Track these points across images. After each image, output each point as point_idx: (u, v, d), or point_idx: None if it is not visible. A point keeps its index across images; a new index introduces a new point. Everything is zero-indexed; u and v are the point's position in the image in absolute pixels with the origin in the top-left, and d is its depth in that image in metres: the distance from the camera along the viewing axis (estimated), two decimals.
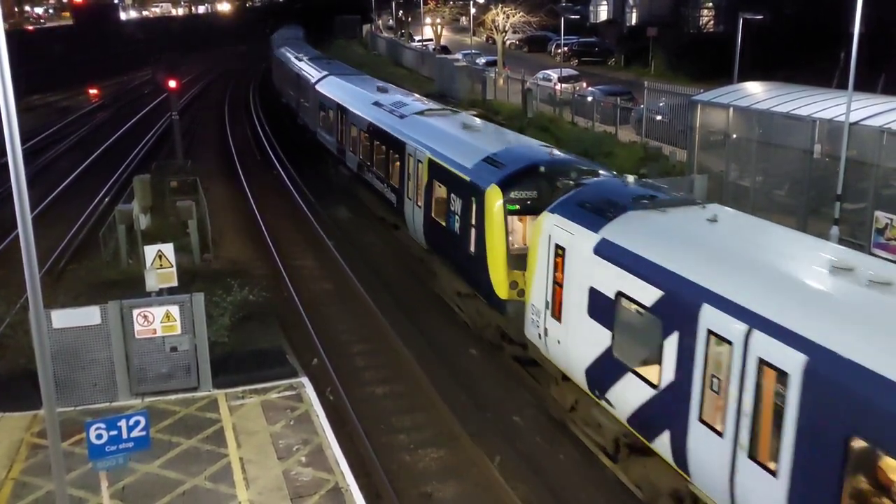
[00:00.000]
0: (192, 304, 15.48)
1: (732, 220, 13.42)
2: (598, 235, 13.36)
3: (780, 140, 24.03)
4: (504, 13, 63.93)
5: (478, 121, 24.42)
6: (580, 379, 13.86)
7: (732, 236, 12.64)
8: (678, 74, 52.50)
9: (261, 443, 14.27)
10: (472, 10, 74.14)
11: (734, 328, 10.31)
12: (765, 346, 9.85)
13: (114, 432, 10.43)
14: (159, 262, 16.27)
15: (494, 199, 16.92)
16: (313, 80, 38.14)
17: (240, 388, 16.17)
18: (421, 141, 21.80)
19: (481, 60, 62.93)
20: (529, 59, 71.00)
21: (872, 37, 35.20)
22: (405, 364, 18.06)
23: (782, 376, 9.57)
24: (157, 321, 15.37)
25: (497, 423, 15.67)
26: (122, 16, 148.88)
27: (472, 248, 17.72)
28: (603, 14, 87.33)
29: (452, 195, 18.95)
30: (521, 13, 64.36)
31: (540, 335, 15.13)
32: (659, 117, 36.05)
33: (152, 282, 16.04)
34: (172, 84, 33.53)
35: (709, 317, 10.74)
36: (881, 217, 20.58)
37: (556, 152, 18.44)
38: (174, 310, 15.41)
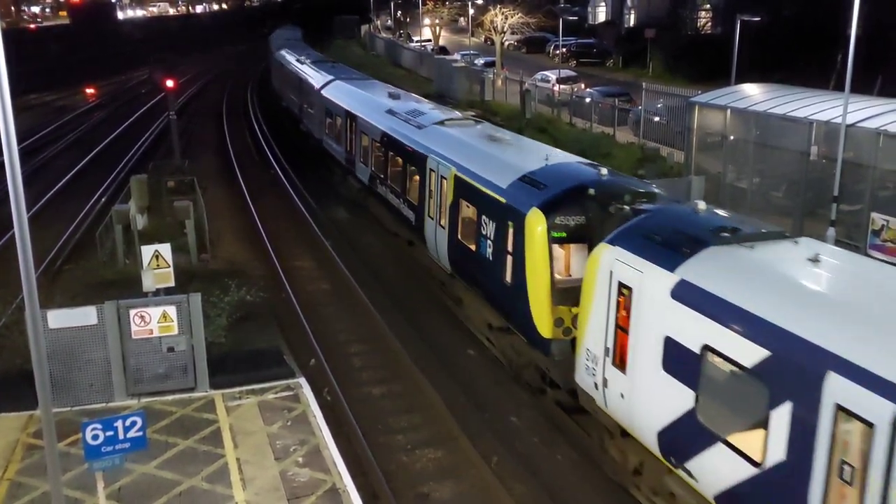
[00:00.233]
0: (190, 304, 15.45)
1: (838, 261, 11.38)
2: (675, 276, 11.46)
3: (777, 142, 24.06)
4: (502, 14, 64.02)
5: (505, 133, 22.32)
6: (650, 441, 11.99)
7: (848, 282, 10.84)
8: (676, 76, 52.59)
9: (258, 443, 14.25)
10: (471, 11, 74.20)
11: (878, 407, 8.32)
12: None
13: (110, 433, 10.42)
14: (156, 262, 16.25)
15: (536, 225, 14.95)
16: (318, 85, 36.29)
17: (237, 389, 16.14)
18: (444, 155, 19.97)
19: (480, 61, 63.01)
20: (528, 59, 71.05)
21: (870, 39, 35.33)
22: (403, 364, 18.05)
23: None
24: (153, 321, 15.34)
25: (495, 423, 15.67)
26: (120, 15, 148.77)
27: (509, 279, 15.85)
28: (601, 15, 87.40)
29: (484, 217, 17.08)
30: (520, 14, 64.45)
31: (597, 385, 13.20)
32: (657, 118, 36.10)
33: (149, 282, 16.02)
34: (170, 84, 33.48)
35: (837, 388, 8.77)
36: (877, 218, 20.61)
37: (605, 171, 16.09)
38: (171, 310, 15.39)
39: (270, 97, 58.99)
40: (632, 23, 77.48)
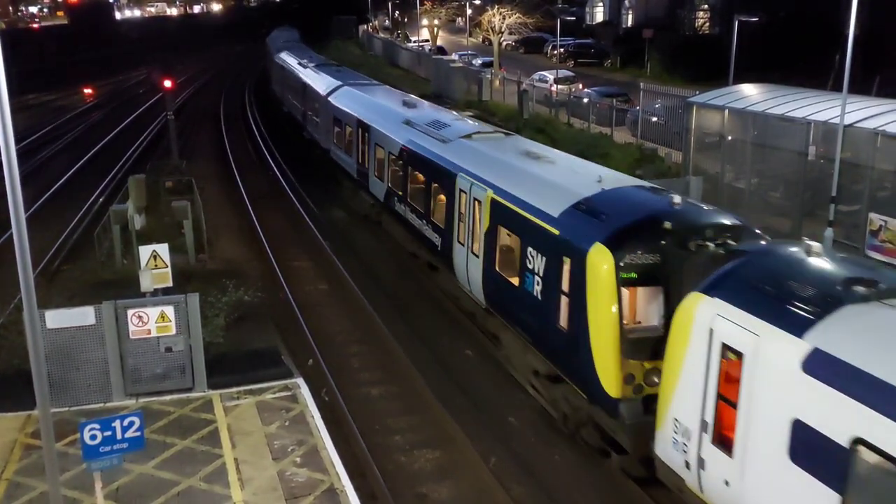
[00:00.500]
0: (187, 304, 15.44)
1: None
2: (804, 343, 9.27)
3: (775, 142, 24.08)
4: (500, 14, 64.04)
5: (541, 148, 19.92)
6: None
7: None
8: (674, 76, 52.68)
9: (256, 443, 14.24)
10: (469, 11, 74.22)
11: None
12: None
13: (108, 433, 10.41)
14: (154, 262, 16.24)
15: (601, 264, 12.82)
16: (324, 92, 33.93)
17: (235, 389, 16.13)
18: (477, 174, 17.98)
19: (477, 61, 63.07)
20: (525, 60, 71.11)
21: (868, 39, 35.39)
22: (401, 365, 18.05)
23: None
24: (151, 321, 15.33)
25: (492, 424, 15.66)
26: (118, 15, 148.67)
27: (564, 323, 13.82)
28: (599, 16, 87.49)
29: (530, 249, 15.04)
30: (518, 14, 64.49)
31: (688, 464, 11.05)
32: (655, 119, 36.13)
33: (147, 282, 16.00)
34: (168, 84, 33.46)
35: None
36: (875, 219, 20.63)
37: (676, 197, 13.80)
38: (169, 310, 15.38)
39: (270, 100, 57.92)
40: (629, 23, 77.57)
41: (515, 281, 15.76)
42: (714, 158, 27.03)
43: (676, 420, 11.22)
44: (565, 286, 13.82)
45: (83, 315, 15.03)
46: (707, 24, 66.93)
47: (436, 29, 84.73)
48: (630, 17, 78.54)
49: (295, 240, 27.50)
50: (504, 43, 71.13)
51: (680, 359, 11.16)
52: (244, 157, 41.22)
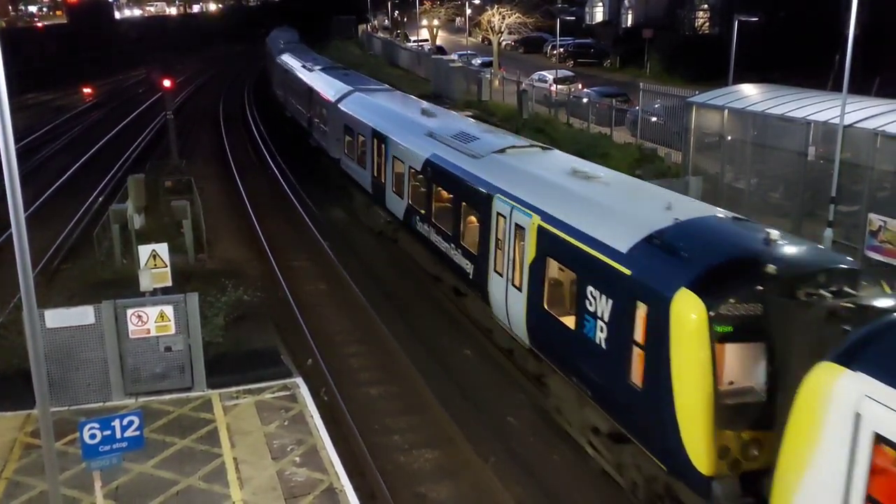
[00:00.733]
0: (187, 304, 15.44)
1: None
2: None
3: (774, 142, 24.09)
4: (500, 14, 64.05)
5: (590, 165, 17.65)
6: None
7: None
8: (673, 76, 52.69)
9: (255, 443, 14.24)
10: (468, 11, 74.24)
11: None
12: None
13: (107, 432, 10.41)
14: (153, 261, 16.24)
15: (689, 313, 10.76)
16: (334, 98, 31.62)
17: (234, 389, 16.13)
18: (518, 197, 16.00)
19: (477, 61, 63.07)
20: (525, 60, 71.13)
21: (868, 39, 35.39)
22: (400, 365, 18.05)
23: None
24: (151, 321, 15.33)
25: (491, 423, 15.67)
26: (117, 15, 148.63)
27: (637, 380, 11.74)
28: (599, 15, 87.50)
29: (590, 288, 13.01)
30: (517, 14, 64.51)
31: None
32: (654, 119, 36.13)
33: (146, 282, 16.00)
34: (167, 83, 33.46)
35: None
36: (875, 219, 20.63)
37: (773, 232, 11.73)
38: (168, 310, 15.38)
39: (270, 101, 56.76)
40: (629, 23, 77.59)
41: (570, 322, 13.73)
42: (714, 158, 27.04)
43: None
44: (639, 336, 11.71)
45: (82, 314, 15.04)
46: (707, 24, 66.95)
47: (435, 29, 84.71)
48: (630, 16, 78.56)
49: (294, 240, 27.49)
50: (503, 43, 71.14)
51: (808, 446, 8.84)
52: (246, 162, 40.92)
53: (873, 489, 8.25)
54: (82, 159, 40.60)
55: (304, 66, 43.07)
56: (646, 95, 38.33)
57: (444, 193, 19.92)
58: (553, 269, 14.84)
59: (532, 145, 19.79)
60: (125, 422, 10.50)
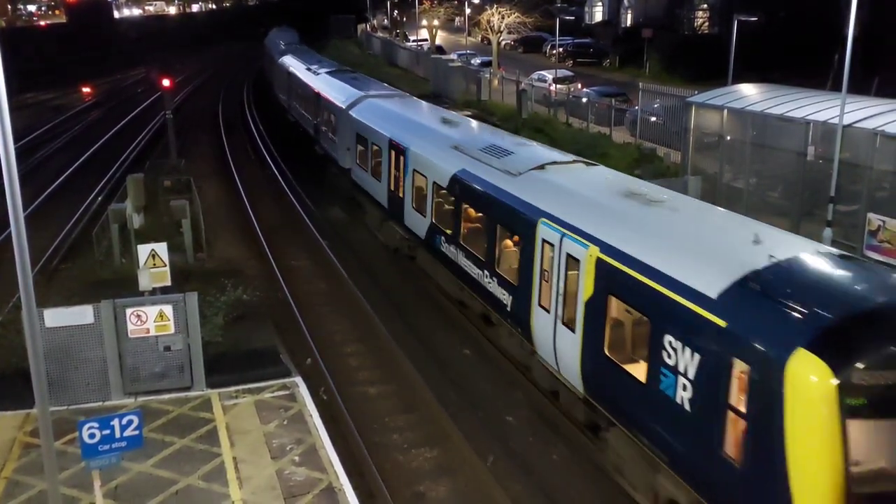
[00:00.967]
0: (186, 303, 15.45)
1: None
2: None
3: (774, 142, 24.09)
4: (499, 14, 64.05)
5: (650, 186, 15.84)
6: None
7: None
8: (673, 76, 52.70)
9: (254, 442, 14.25)
10: (468, 11, 74.27)
11: None
12: None
13: (107, 431, 10.42)
14: (153, 261, 16.24)
15: (811, 380, 8.91)
16: (344, 105, 29.61)
17: (233, 388, 16.14)
18: (569, 222, 14.12)
19: (476, 61, 63.07)
20: (524, 59, 71.13)
21: (867, 39, 35.41)
22: (398, 364, 18.06)
23: None
24: (150, 320, 15.34)
25: (490, 422, 15.68)
26: (116, 14, 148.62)
27: (735, 452, 9.88)
28: (598, 15, 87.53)
29: (669, 337, 11.04)
30: (517, 14, 64.52)
31: None
32: (653, 119, 36.13)
33: (145, 281, 16.01)
34: (166, 83, 33.44)
35: None
36: (874, 219, 20.64)
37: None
38: (167, 309, 15.38)
39: (270, 104, 55.36)
40: (629, 23, 77.61)
41: (639, 373, 11.90)
42: (713, 158, 27.04)
43: None
44: (737, 401, 9.81)
45: (82, 314, 15.04)
46: (706, 23, 66.97)
47: (434, 28, 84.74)
48: (629, 16, 78.58)
49: (292, 237, 27.48)
50: (503, 42, 71.16)
51: None
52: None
53: None
54: (81, 159, 40.58)
55: (308, 70, 41.13)
56: (645, 95, 38.33)
57: (476, 214, 18.32)
58: (617, 309, 12.98)
59: (574, 160, 17.75)
60: (124, 421, 10.51)
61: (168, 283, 16.45)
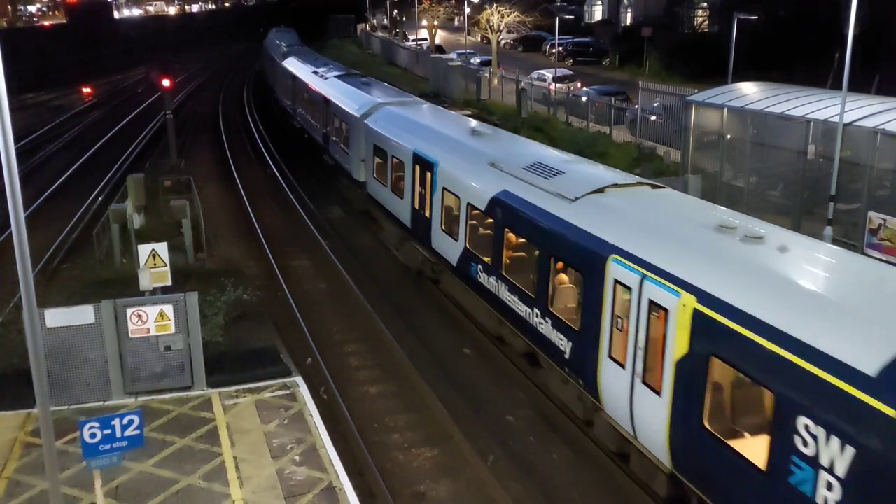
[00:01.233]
0: (186, 303, 15.46)
1: None
2: None
3: (774, 140, 24.10)
4: (499, 13, 64.03)
5: (745, 218, 13.65)
6: None
7: None
8: (673, 74, 52.66)
9: (255, 442, 14.25)
10: (467, 10, 74.26)
11: None
12: None
13: (108, 431, 10.42)
14: (153, 261, 16.25)
15: None
16: (358, 113, 27.54)
17: (234, 388, 16.15)
18: (653, 263, 11.95)
19: (476, 60, 63.04)
20: (524, 58, 71.11)
21: (867, 37, 35.38)
22: (399, 364, 18.06)
23: None
24: (150, 320, 15.35)
25: (490, 422, 15.68)
26: (116, 14, 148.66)
27: None
28: (597, 14, 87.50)
29: (805, 420, 9.04)
30: (516, 13, 64.52)
31: None
32: (653, 117, 36.13)
33: (146, 281, 16.02)
34: (166, 83, 33.44)
35: None
36: (874, 218, 20.65)
37: None
38: (168, 309, 15.39)
39: (270, 106, 54.61)
40: (628, 21, 77.59)
41: (757, 458, 9.78)
42: (713, 157, 27.04)
43: None
44: None
45: (82, 314, 15.05)
46: (706, 22, 66.95)
47: (434, 28, 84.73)
48: (629, 15, 78.55)
49: (292, 237, 27.49)
50: (502, 42, 71.14)
51: None
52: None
53: None
54: (82, 159, 40.58)
55: (315, 73, 38.77)
56: (645, 94, 38.32)
57: (523, 242, 16.31)
58: (722, 374, 10.72)
59: (638, 182, 15.61)
60: (125, 421, 10.51)
61: (168, 282, 16.46)
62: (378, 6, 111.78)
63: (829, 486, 8.70)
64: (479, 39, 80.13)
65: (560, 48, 64.77)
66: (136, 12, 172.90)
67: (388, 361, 18.35)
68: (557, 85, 47.15)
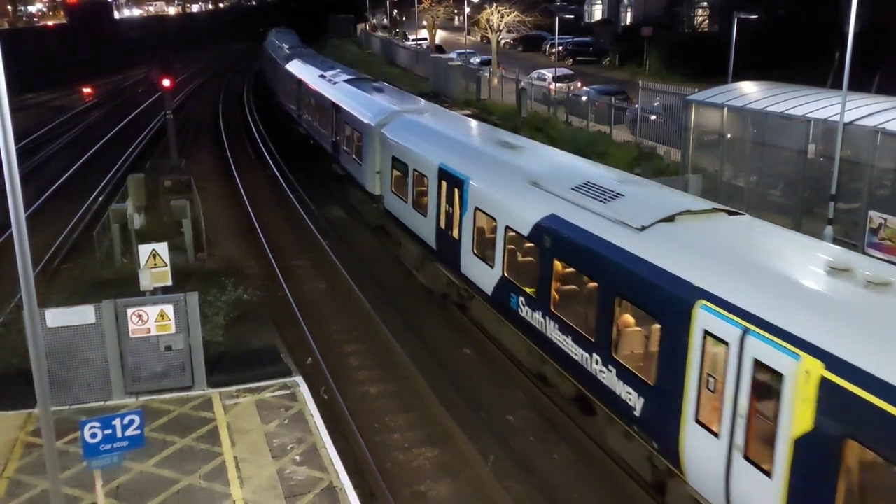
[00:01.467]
0: (187, 303, 15.46)
1: None
2: None
3: (774, 140, 24.10)
4: (499, 12, 64.04)
5: (854, 257, 11.38)
6: None
7: None
8: (673, 74, 52.66)
9: (255, 442, 14.26)
10: (467, 10, 74.27)
11: None
12: None
13: (108, 431, 10.42)
14: (153, 261, 16.25)
15: None
16: (374, 122, 25.48)
17: (234, 388, 16.15)
18: (759, 316, 9.93)
19: (476, 60, 63.06)
20: (524, 58, 71.12)
21: (867, 36, 35.39)
22: (399, 363, 18.07)
23: None
24: (151, 320, 15.35)
25: (490, 422, 15.69)
26: (116, 14, 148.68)
27: None
28: (597, 13, 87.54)
29: None
30: (516, 12, 64.53)
31: None
32: (653, 117, 36.13)
33: (146, 281, 16.02)
34: (167, 83, 33.40)
35: None
36: (875, 217, 20.65)
37: None
38: (168, 309, 15.40)
39: (271, 108, 53.82)
40: (628, 21, 77.61)
41: None
42: (713, 156, 27.04)
43: None
44: None
45: (83, 314, 15.05)
46: (706, 21, 66.96)
47: (434, 27, 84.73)
48: (629, 14, 78.57)
49: (292, 236, 27.49)
50: (502, 41, 71.15)
51: None
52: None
53: None
54: (82, 159, 40.58)
55: (322, 77, 36.66)
56: (645, 93, 38.33)
57: (578, 275, 14.34)
58: (861, 461, 8.76)
59: (714, 209, 13.60)
60: (126, 421, 10.52)
61: (169, 282, 16.47)
62: (378, 6, 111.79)
63: None
64: (479, 39, 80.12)
65: (560, 48, 64.76)
66: (137, 12, 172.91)
67: (388, 361, 18.35)
68: (557, 84, 47.15)
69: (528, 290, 15.53)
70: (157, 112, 51.82)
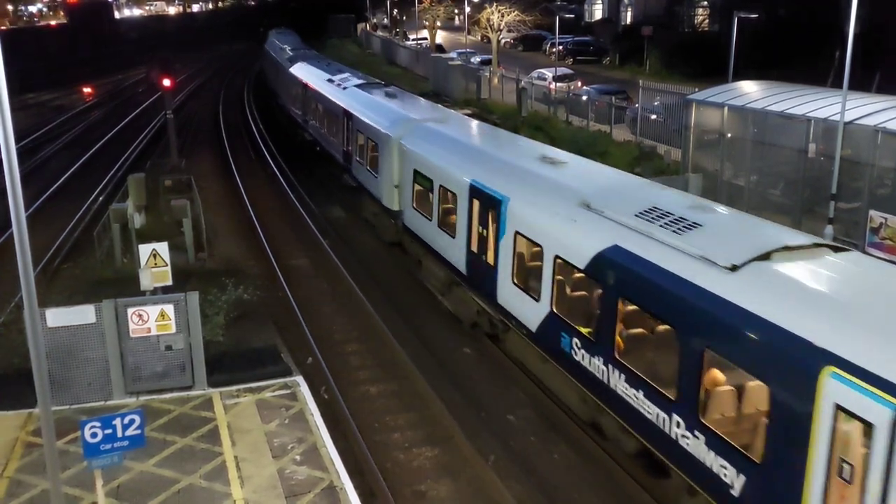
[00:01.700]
0: (187, 302, 15.46)
1: None
2: None
3: (774, 139, 24.09)
4: (499, 12, 64.03)
5: None
6: None
7: None
8: (673, 73, 52.63)
9: (255, 441, 14.26)
10: (467, 9, 74.29)
11: None
12: None
13: (109, 431, 10.43)
14: (154, 260, 16.26)
15: None
16: (391, 132, 23.65)
17: (234, 387, 16.15)
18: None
19: (476, 59, 63.04)
20: (524, 58, 71.09)
21: (868, 35, 35.37)
22: (399, 363, 18.07)
23: None
24: (151, 320, 15.35)
25: (491, 422, 15.68)
26: (117, 14, 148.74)
27: None
28: (598, 13, 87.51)
29: None
30: (516, 12, 64.52)
31: None
32: (654, 116, 36.11)
33: (147, 281, 16.02)
34: (167, 83, 33.37)
35: None
36: (875, 216, 20.64)
37: None
38: (169, 309, 15.40)
39: (273, 111, 53.02)
40: (628, 20, 77.57)
41: None
42: (713, 156, 27.03)
43: None
44: None
45: (83, 313, 15.06)
46: (706, 21, 66.94)
47: (434, 27, 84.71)
48: (629, 14, 78.52)
49: (292, 236, 27.48)
50: (503, 41, 71.13)
51: None
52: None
53: None
54: (83, 159, 40.60)
55: (330, 82, 34.88)
56: (645, 93, 38.31)
57: (651, 320, 12.61)
58: None
59: (816, 244, 11.64)
60: (126, 420, 10.52)
61: (169, 282, 16.48)
62: (378, 6, 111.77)
63: None
64: (480, 38, 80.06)
65: (560, 47, 64.72)
66: (137, 12, 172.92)
67: (388, 361, 18.35)
68: (557, 84, 47.12)
69: (584, 331, 13.72)
70: (158, 112, 51.82)
